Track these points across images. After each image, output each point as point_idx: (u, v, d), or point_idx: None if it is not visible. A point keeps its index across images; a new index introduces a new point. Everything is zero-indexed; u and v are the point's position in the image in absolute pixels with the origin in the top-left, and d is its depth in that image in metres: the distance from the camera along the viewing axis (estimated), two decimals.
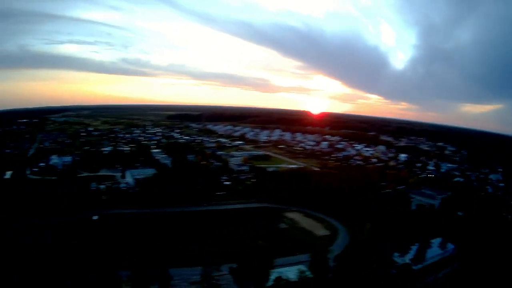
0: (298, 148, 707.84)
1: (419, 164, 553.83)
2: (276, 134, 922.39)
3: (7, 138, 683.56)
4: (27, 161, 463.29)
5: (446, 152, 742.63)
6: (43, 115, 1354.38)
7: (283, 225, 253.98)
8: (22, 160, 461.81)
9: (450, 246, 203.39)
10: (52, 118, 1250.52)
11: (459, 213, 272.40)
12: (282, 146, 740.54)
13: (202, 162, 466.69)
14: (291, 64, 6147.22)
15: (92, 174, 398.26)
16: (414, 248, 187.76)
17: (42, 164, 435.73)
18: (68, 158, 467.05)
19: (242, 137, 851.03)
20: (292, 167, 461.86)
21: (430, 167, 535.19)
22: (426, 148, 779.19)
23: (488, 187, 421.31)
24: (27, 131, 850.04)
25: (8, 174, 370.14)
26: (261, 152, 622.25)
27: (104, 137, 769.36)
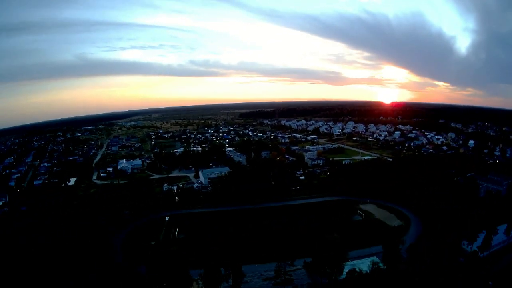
0: (371, 139, 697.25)
1: (486, 150, 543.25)
2: (349, 126, 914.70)
3: (72, 145, 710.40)
4: (92, 167, 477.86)
5: (511, 136, 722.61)
6: (110, 121, 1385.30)
7: (357, 217, 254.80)
8: (87, 166, 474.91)
9: None
10: (119, 123, 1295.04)
11: None
12: (355, 138, 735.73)
13: (276, 158, 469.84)
14: (360, 55, 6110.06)
15: (164, 175, 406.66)
16: (481, 235, 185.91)
17: (110, 169, 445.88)
18: (137, 162, 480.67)
19: (315, 131, 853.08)
20: (366, 159, 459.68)
21: (497, 153, 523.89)
22: (492, 134, 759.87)
23: None
24: (92, 137, 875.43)
25: (72, 181, 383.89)
26: (335, 145, 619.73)
27: (176, 139, 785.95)
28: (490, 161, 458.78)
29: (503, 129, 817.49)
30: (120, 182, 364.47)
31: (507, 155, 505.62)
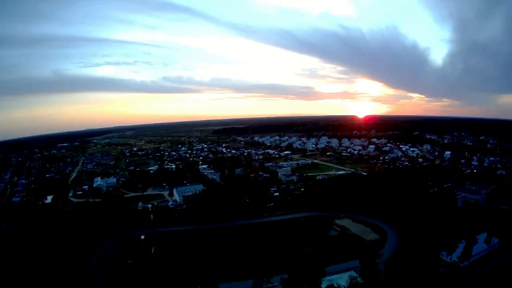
0: (345, 154, 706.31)
1: (463, 160, 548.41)
2: (323, 141, 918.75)
3: (48, 163, 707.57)
4: (68, 184, 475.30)
5: (488, 145, 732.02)
6: (85, 138, 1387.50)
7: (333, 232, 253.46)
8: (63, 183, 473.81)
9: (495, 240, 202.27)
10: (94, 141, 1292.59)
11: (503, 207, 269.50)
12: (329, 153, 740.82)
13: (250, 175, 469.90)
14: (334, 69, 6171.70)
15: (139, 194, 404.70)
16: (460, 245, 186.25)
17: (85, 187, 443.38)
18: (113, 180, 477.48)
19: (289, 147, 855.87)
20: (340, 174, 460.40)
21: (474, 162, 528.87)
22: (469, 143, 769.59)
23: None
24: (68, 154, 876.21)
25: (49, 199, 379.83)
26: (309, 161, 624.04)
27: (150, 156, 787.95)
28: (468, 171, 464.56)
29: (481, 138, 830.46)
30: (96, 200, 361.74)
31: (485, 164, 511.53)
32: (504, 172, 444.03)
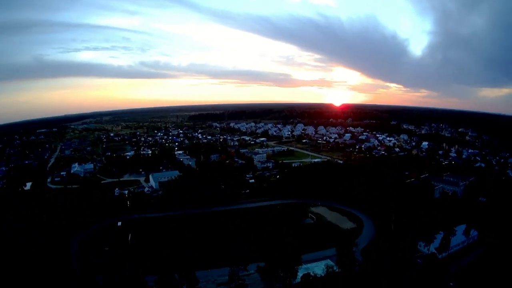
0: (321, 142, 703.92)
1: (441, 152, 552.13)
2: (299, 128, 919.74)
3: (26, 149, 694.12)
4: (46, 171, 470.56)
5: (467, 137, 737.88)
6: (63, 124, 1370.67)
7: (309, 220, 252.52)
8: (42, 170, 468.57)
9: (474, 233, 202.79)
10: (72, 126, 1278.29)
11: (482, 199, 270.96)
12: (305, 140, 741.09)
13: (226, 161, 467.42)
14: (311, 57, 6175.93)
15: (115, 179, 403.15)
16: (438, 236, 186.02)
17: (63, 173, 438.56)
18: (90, 166, 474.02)
19: (265, 134, 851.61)
20: (316, 161, 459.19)
21: (452, 154, 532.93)
22: (448, 135, 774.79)
23: (508, 171, 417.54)
24: (46, 140, 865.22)
25: (28, 186, 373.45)
26: (284, 148, 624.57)
27: (126, 142, 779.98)
28: (445, 162, 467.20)
29: (459, 130, 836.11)
30: (73, 186, 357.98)
31: (464, 156, 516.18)
32: (483, 165, 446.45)
